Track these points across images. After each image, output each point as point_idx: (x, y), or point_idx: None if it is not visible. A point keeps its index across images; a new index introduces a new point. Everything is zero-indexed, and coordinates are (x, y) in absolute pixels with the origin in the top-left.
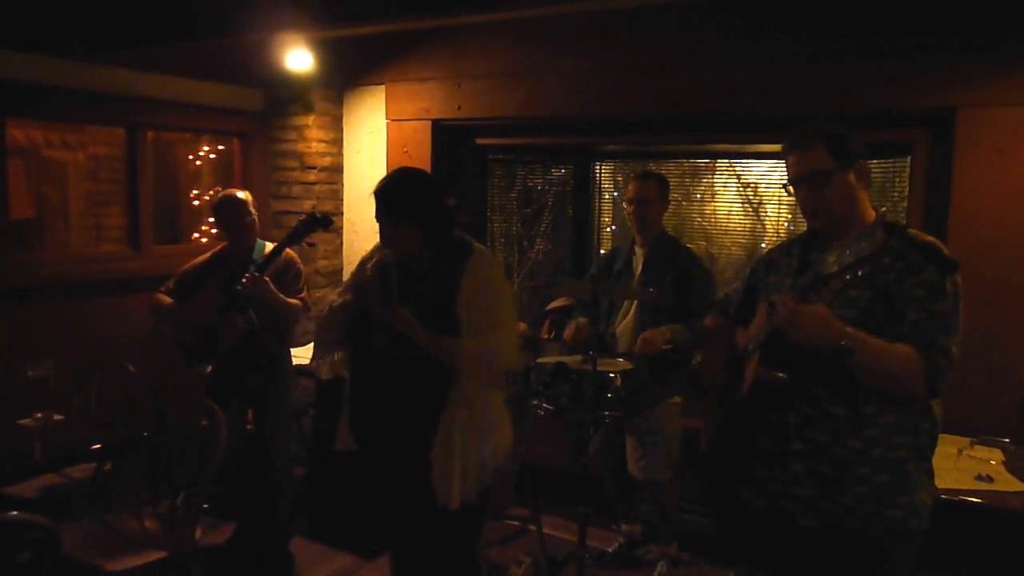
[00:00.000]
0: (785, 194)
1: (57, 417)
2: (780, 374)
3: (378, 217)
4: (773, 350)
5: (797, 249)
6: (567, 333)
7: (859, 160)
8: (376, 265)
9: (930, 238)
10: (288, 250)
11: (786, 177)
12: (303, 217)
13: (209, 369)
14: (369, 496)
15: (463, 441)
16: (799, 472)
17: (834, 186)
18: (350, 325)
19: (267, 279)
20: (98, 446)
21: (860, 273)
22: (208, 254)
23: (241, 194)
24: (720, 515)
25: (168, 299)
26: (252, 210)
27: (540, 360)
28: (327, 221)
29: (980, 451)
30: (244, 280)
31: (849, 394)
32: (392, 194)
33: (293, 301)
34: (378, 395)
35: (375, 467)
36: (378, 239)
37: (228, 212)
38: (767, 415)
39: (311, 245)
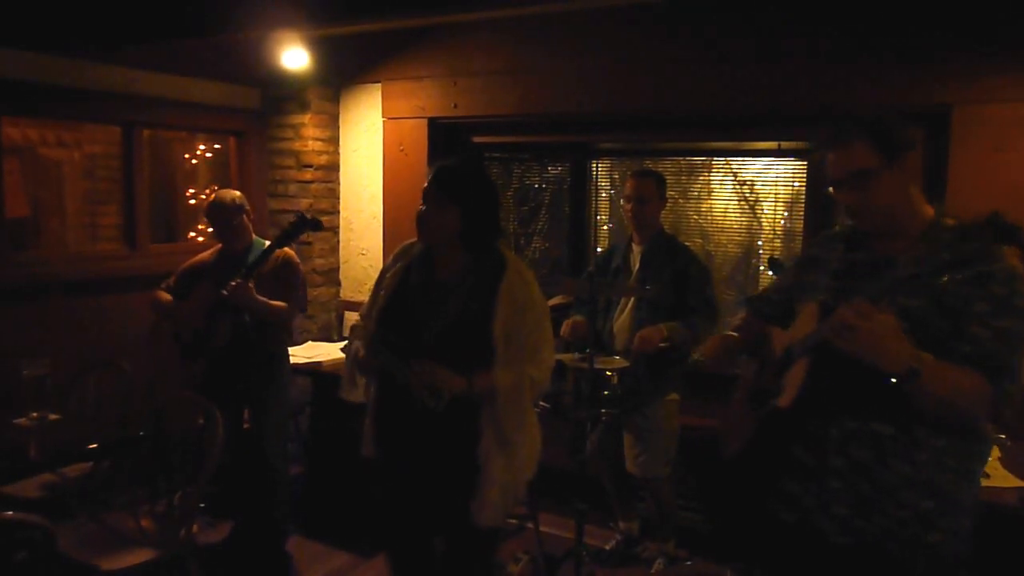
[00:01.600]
0: (780, 191)
1: (53, 416)
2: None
3: (425, 194)
4: (823, 358)
5: (840, 246)
6: (564, 330)
7: (907, 151)
8: (382, 308)
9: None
10: (287, 249)
11: (828, 177)
12: (292, 219)
13: (202, 368)
14: (388, 508)
15: (504, 466)
16: (837, 489)
17: (883, 186)
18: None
19: (251, 286)
20: (94, 445)
21: (946, 279)
22: (210, 252)
23: (229, 196)
24: (742, 525)
25: (167, 296)
26: (244, 212)
27: None
28: (316, 223)
29: None
30: (229, 286)
31: (900, 415)
32: (450, 171)
33: (279, 304)
34: (406, 413)
35: (398, 482)
36: (376, 242)
37: (216, 216)
38: (806, 426)
39: (307, 244)
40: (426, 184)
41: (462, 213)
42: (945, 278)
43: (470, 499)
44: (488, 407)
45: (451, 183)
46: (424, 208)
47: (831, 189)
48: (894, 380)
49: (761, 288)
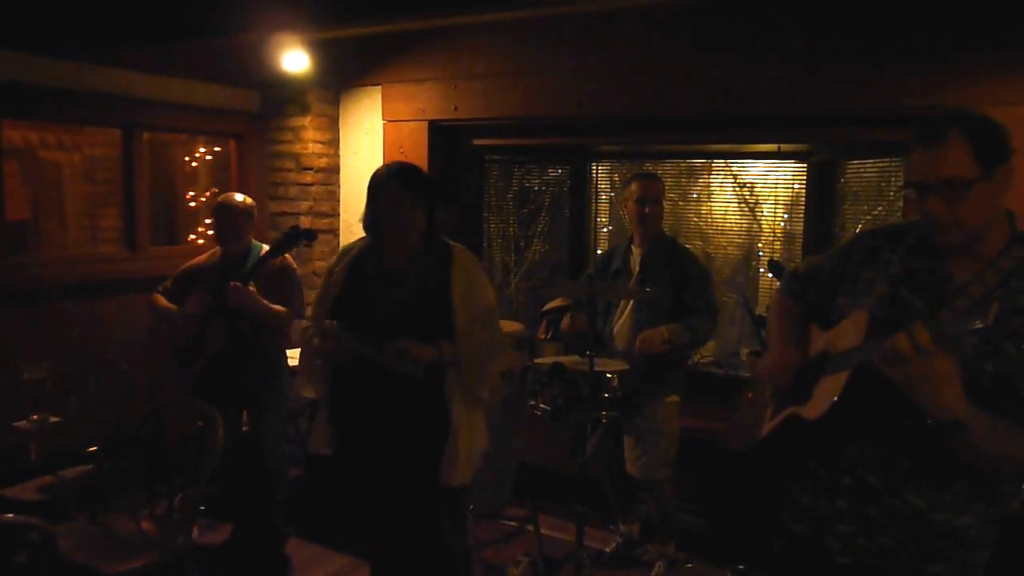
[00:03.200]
0: (780, 194)
1: (53, 419)
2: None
3: (388, 194)
4: (863, 378)
5: (903, 250)
6: (564, 323)
7: (1006, 163)
8: (333, 300)
9: None
10: (286, 255)
11: (910, 177)
12: (287, 230)
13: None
14: (361, 494)
15: (468, 425)
16: (843, 508)
17: (975, 198)
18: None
19: (251, 289)
20: (94, 448)
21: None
22: (207, 255)
23: (240, 198)
24: (749, 528)
25: (164, 299)
26: (251, 217)
27: (537, 360)
28: (311, 235)
29: None
30: (230, 288)
31: (918, 448)
32: (411, 173)
33: (279, 308)
34: (368, 396)
35: (366, 465)
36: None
37: (224, 217)
38: (824, 441)
39: (307, 246)
40: (387, 188)
41: (425, 209)
42: (1007, 328)
43: (439, 460)
44: (454, 371)
45: (416, 185)
46: (393, 209)
47: (910, 191)
48: (935, 425)
49: (795, 267)
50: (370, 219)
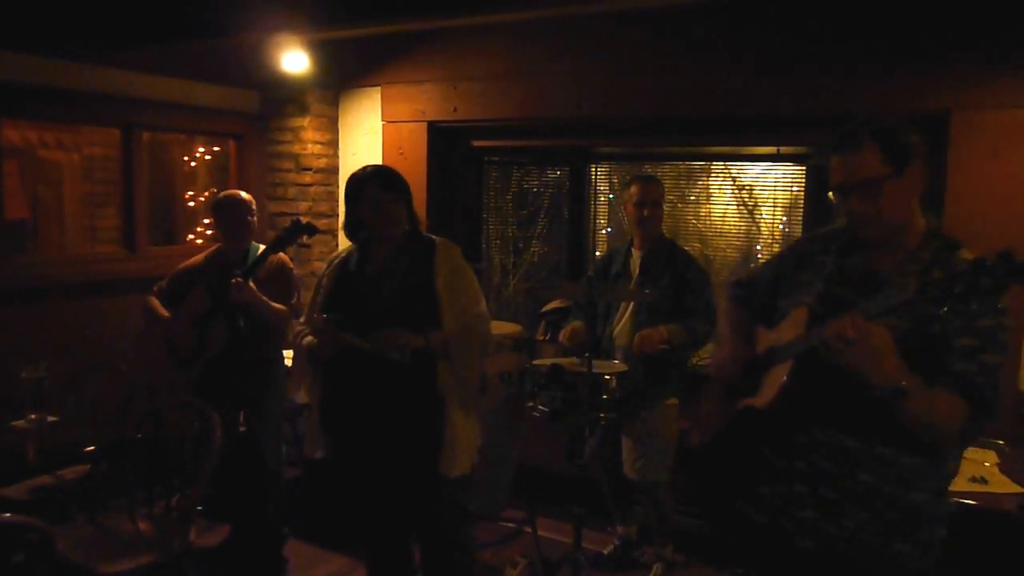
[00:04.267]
0: (779, 196)
1: (51, 418)
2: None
3: (369, 193)
4: (807, 365)
5: (835, 251)
6: (562, 335)
7: (917, 161)
8: (327, 298)
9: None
10: (281, 255)
11: (832, 181)
12: (287, 224)
13: (198, 370)
14: (359, 493)
15: (463, 417)
16: (801, 492)
17: (890, 196)
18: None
19: (252, 285)
20: (92, 448)
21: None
22: (202, 256)
23: (244, 195)
24: (714, 520)
25: (159, 304)
26: (254, 212)
27: (536, 362)
28: (311, 228)
29: (974, 453)
30: (232, 284)
31: (863, 428)
32: (388, 173)
33: (279, 307)
34: (362, 395)
35: (363, 463)
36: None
37: (230, 211)
38: (776, 430)
39: (306, 246)
40: (368, 189)
41: (407, 206)
42: (944, 309)
43: (437, 452)
44: (444, 360)
45: (396, 184)
46: (381, 208)
47: (832, 194)
48: (881, 394)
49: (737, 276)
50: (351, 222)
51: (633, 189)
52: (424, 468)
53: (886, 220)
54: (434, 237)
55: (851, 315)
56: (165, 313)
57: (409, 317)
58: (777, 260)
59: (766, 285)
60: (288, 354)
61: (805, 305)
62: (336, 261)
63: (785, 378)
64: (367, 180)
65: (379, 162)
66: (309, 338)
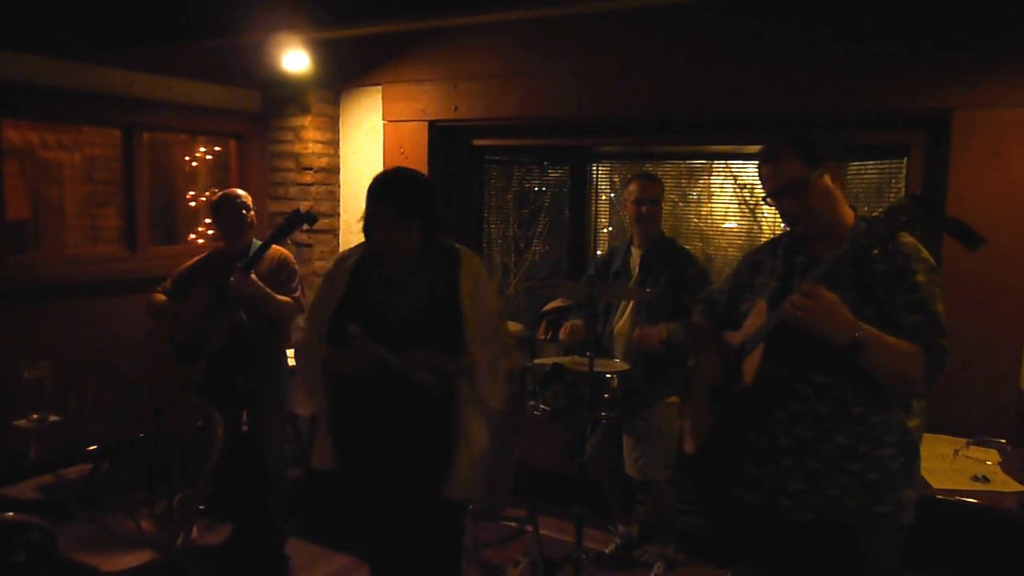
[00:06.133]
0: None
1: (53, 418)
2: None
3: (379, 217)
4: (779, 344)
5: (781, 251)
6: (562, 332)
7: (831, 162)
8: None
9: (910, 239)
10: (282, 249)
11: (764, 190)
12: (287, 214)
13: (200, 369)
14: (363, 504)
15: (477, 439)
16: (789, 466)
17: (813, 191)
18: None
19: (253, 276)
20: (94, 447)
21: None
22: (204, 254)
23: (241, 192)
24: (712, 515)
25: (163, 298)
26: (251, 209)
27: (537, 361)
28: (311, 217)
29: (976, 452)
30: (233, 276)
31: (835, 394)
32: (403, 193)
33: (284, 299)
34: (373, 410)
35: (371, 478)
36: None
37: (227, 209)
38: (758, 413)
39: (307, 245)
40: (375, 208)
41: (422, 226)
42: (873, 276)
43: (445, 474)
44: (467, 384)
45: (408, 203)
46: (383, 231)
47: (767, 200)
48: (842, 349)
49: (700, 295)
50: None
51: (632, 187)
52: (430, 489)
53: (815, 213)
54: (456, 245)
55: (800, 285)
56: (167, 300)
57: (431, 332)
58: (733, 274)
59: (726, 296)
60: (292, 353)
61: (763, 299)
62: (349, 261)
63: (760, 354)
64: (379, 199)
65: (380, 162)
66: (318, 345)
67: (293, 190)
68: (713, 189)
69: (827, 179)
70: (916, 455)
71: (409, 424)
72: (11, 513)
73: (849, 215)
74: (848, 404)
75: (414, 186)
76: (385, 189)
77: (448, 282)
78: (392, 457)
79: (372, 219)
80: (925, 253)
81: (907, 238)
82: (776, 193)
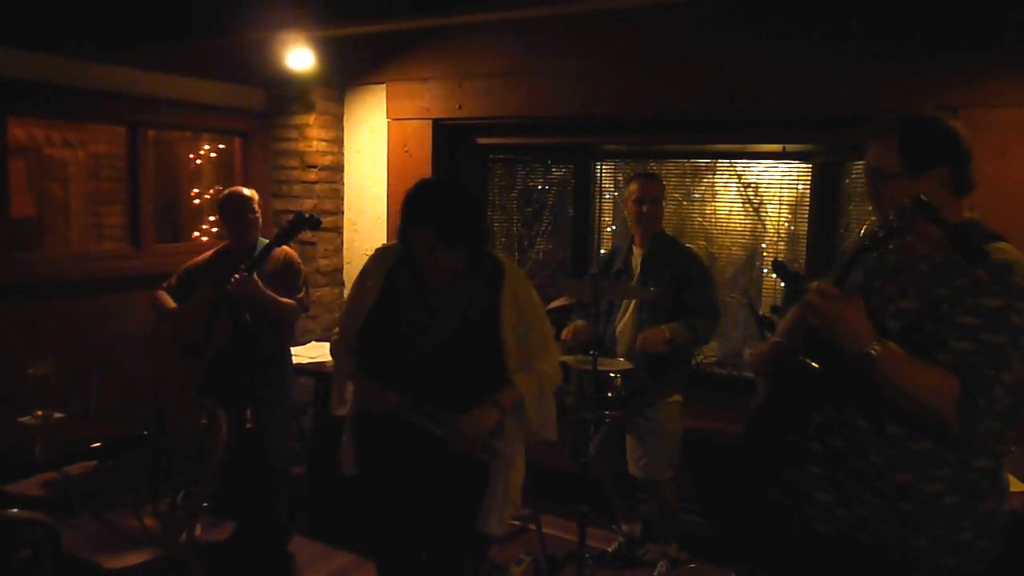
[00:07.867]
0: (785, 194)
1: (57, 415)
2: (814, 363)
3: (421, 239)
4: (811, 344)
5: (874, 241)
6: (565, 334)
7: (937, 168)
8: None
9: (1007, 253)
10: (287, 249)
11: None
12: (291, 217)
13: (204, 367)
14: (379, 521)
15: (517, 477)
16: (817, 475)
17: (896, 193)
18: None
19: (256, 278)
20: (98, 444)
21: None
22: (210, 252)
23: (247, 191)
24: (734, 512)
25: (167, 296)
26: (256, 208)
27: None
28: (315, 222)
29: None
30: (233, 279)
31: (872, 407)
32: (447, 218)
33: (286, 301)
34: (396, 428)
35: (390, 495)
36: (380, 243)
37: (232, 208)
38: (793, 413)
39: (311, 243)
40: (419, 232)
41: (470, 250)
42: (946, 289)
43: (477, 506)
44: (514, 416)
45: (454, 230)
46: (431, 253)
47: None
48: (852, 360)
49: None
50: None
51: (633, 186)
52: (460, 521)
53: (885, 215)
54: (501, 260)
55: (819, 284)
56: (172, 304)
57: (464, 360)
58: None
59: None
60: (296, 351)
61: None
62: (387, 263)
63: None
64: (423, 220)
65: (384, 160)
66: (358, 379)
67: (297, 188)
68: (717, 188)
69: (924, 186)
70: (982, 498)
71: (441, 456)
72: (16, 509)
73: (958, 219)
74: (883, 421)
75: (457, 207)
76: (426, 212)
77: (488, 305)
78: (420, 484)
79: (412, 239)
80: (1018, 274)
81: (1006, 251)
82: (865, 172)
